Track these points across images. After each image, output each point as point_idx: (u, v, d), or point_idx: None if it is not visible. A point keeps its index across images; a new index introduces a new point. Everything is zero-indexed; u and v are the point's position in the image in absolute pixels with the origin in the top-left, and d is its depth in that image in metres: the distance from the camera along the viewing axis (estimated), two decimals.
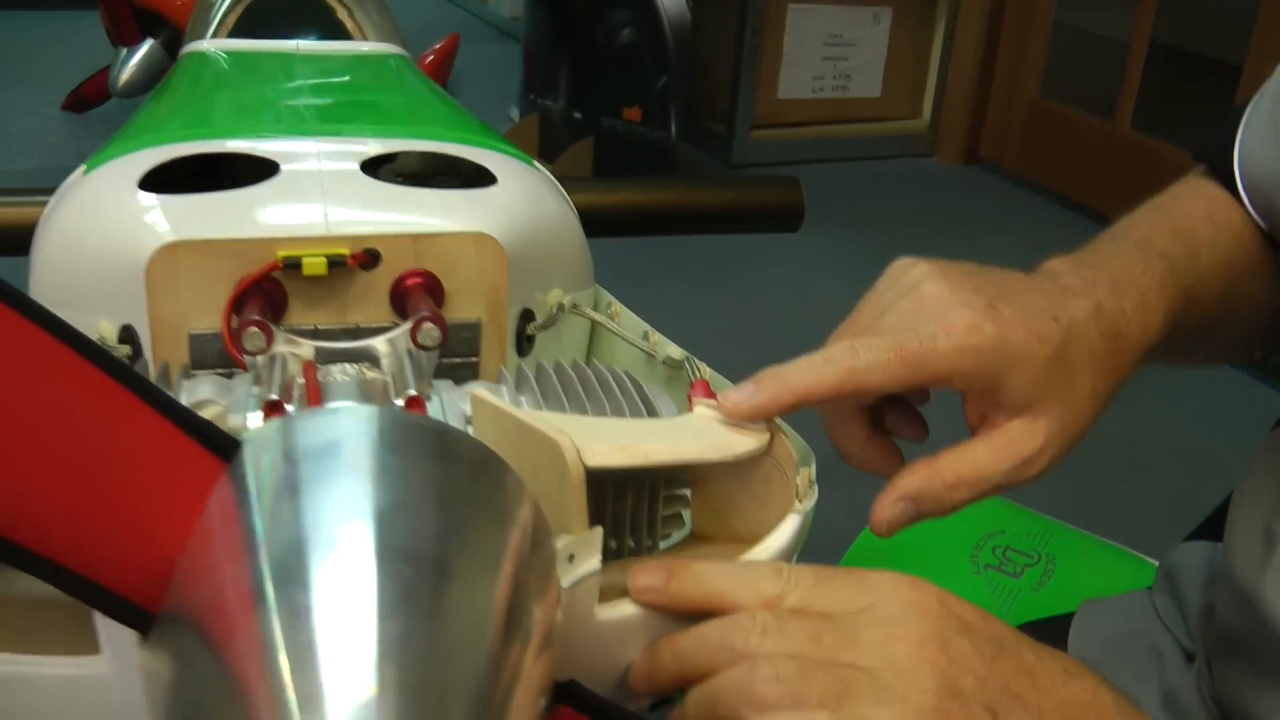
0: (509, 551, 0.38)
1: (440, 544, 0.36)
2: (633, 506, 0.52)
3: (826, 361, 0.51)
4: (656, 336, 0.78)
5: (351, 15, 1.43)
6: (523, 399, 0.55)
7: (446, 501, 0.38)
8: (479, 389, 0.50)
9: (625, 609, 0.49)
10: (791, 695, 0.42)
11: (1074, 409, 0.52)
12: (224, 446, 0.38)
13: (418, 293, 0.66)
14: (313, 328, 0.65)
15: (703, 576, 0.47)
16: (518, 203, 0.75)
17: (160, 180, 0.70)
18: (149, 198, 0.68)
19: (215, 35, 1.31)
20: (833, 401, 0.54)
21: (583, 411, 0.54)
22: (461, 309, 0.67)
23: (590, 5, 3.10)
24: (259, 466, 0.37)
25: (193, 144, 0.77)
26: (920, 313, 0.52)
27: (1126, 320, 0.55)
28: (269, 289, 0.65)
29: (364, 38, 1.34)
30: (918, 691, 0.41)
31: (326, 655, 0.31)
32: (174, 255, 0.63)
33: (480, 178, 0.76)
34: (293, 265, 0.63)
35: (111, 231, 0.67)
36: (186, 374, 0.60)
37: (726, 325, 2.40)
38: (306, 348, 0.60)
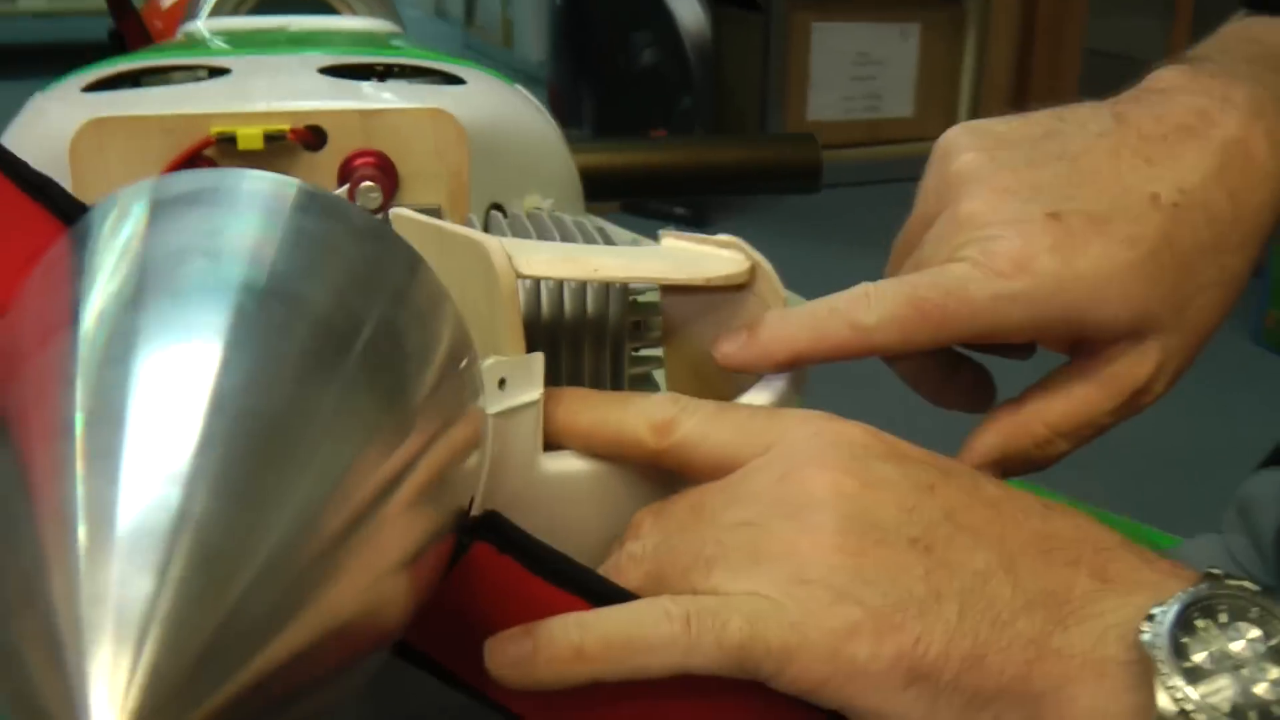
0: (402, 333, 0.30)
1: (302, 307, 0.28)
2: (592, 365, 0.45)
3: (832, 313, 0.41)
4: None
5: (347, 3, 1.40)
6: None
7: (323, 258, 0.30)
8: (406, 211, 0.43)
9: (572, 463, 0.41)
10: (647, 580, 0.35)
11: (1196, 309, 0.40)
12: (67, 208, 0.33)
13: (368, 174, 0.59)
14: None
15: (590, 401, 0.40)
16: (484, 97, 0.69)
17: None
18: (88, 95, 0.63)
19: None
20: (839, 360, 0.42)
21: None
22: (419, 193, 0.60)
23: (611, 29, 3.07)
24: (102, 226, 0.30)
25: (146, 60, 0.72)
26: (955, 236, 0.40)
27: (1268, 151, 0.41)
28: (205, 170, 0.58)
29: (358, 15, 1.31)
30: (810, 532, 0.33)
31: (132, 457, 0.23)
32: (99, 132, 0.57)
33: (450, 81, 0.71)
34: (227, 140, 0.57)
35: (48, 123, 0.62)
36: None
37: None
38: None
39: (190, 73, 0.71)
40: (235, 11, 1.29)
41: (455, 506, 0.32)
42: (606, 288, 0.44)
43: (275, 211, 0.30)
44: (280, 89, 0.64)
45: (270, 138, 0.58)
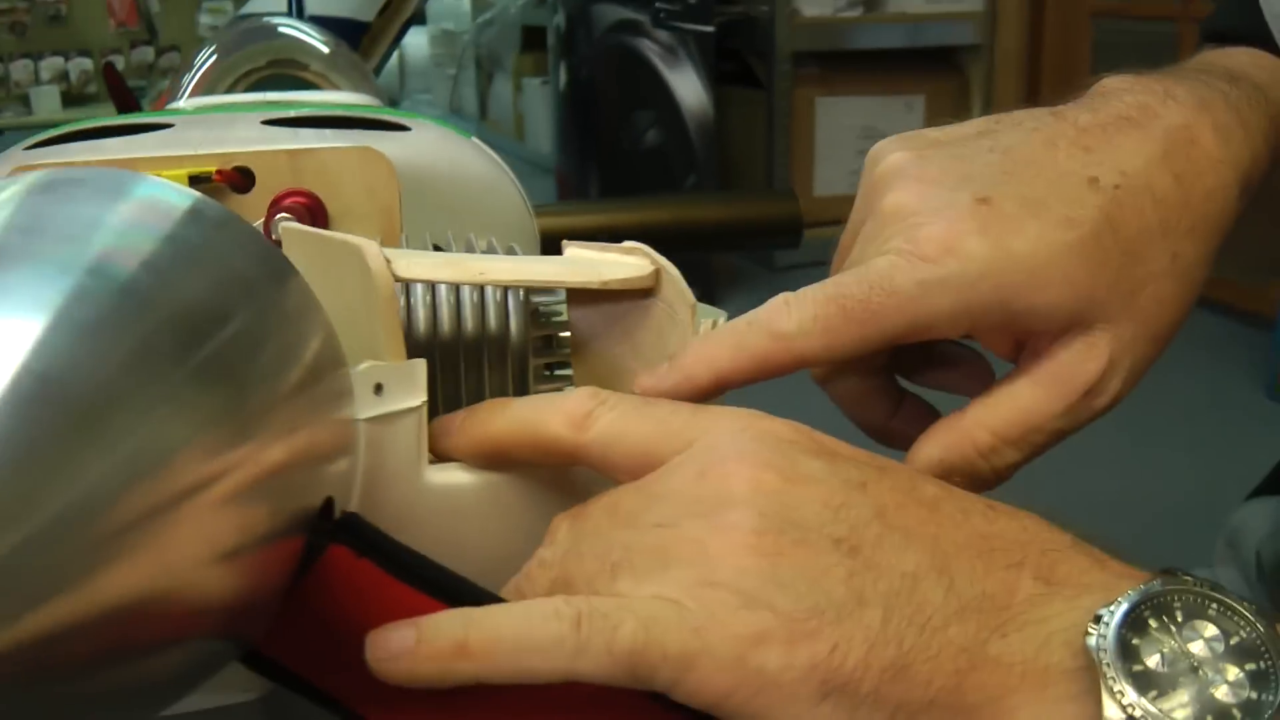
0: (246, 333, 0.29)
1: (142, 296, 0.27)
2: (495, 382, 0.43)
3: (750, 325, 0.39)
4: None
5: (327, 79, 1.42)
6: None
7: (178, 255, 0.29)
8: (289, 221, 0.41)
9: (459, 475, 0.40)
10: (554, 587, 0.34)
11: (1148, 298, 0.37)
12: None
13: (297, 214, 0.58)
14: None
15: (504, 405, 0.38)
16: (427, 143, 0.69)
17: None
18: (27, 151, 0.63)
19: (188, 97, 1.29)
20: (768, 377, 0.40)
21: None
22: (350, 231, 0.59)
23: (614, 111, 3.09)
24: None
25: (96, 123, 0.72)
26: (882, 232, 0.39)
27: (1216, 140, 0.39)
28: None
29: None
30: (723, 531, 0.31)
31: None
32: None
33: (394, 129, 0.71)
34: None
35: None
36: None
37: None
38: None
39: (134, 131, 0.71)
40: (211, 91, 1.30)
41: (298, 507, 0.31)
42: (506, 302, 0.43)
43: (145, 209, 0.30)
44: (214, 138, 0.63)
45: (196, 179, 0.57)
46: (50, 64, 4.83)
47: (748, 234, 1.14)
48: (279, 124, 0.68)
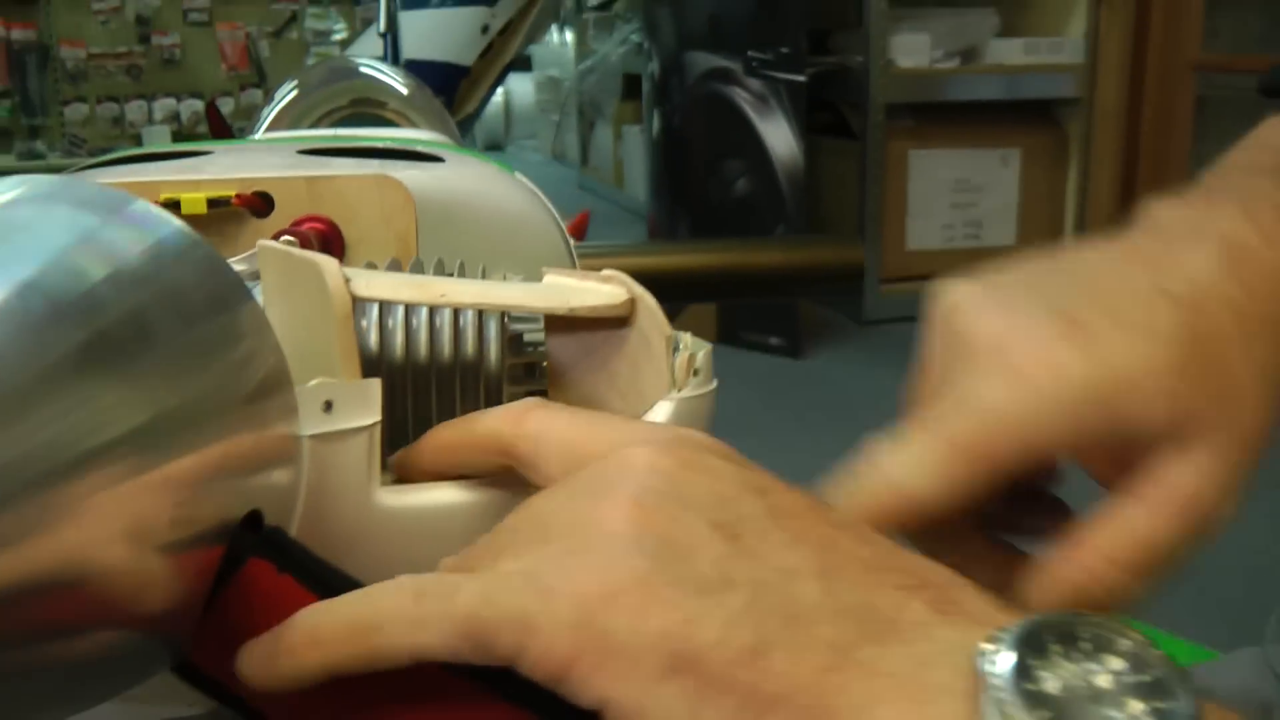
0: (172, 343, 0.30)
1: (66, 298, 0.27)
2: (467, 407, 0.43)
3: (858, 481, 0.38)
4: None
5: (406, 118, 1.44)
6: None
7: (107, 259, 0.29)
8: (264, 240, 0.42)
9: (421, 497, 0.39)
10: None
11: (1240, 406, 0.36)
12: None
13: (310, 239, 0.58)
14: None
15: (458, 420, 0.38)
16: (459, 175, 0.69)
17: None
18: (79, 174, 0.65)
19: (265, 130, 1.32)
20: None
21: None
22: (366, 258, 0.60)
23: (705, 159, 3.10)
24: None
25: (146, 149, 0.74)
26: (969, 362, 0.37)
27: (1264, 244, 0.38)
28: None
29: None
30: (603, 502, 0.30)
31: None
32: None
33: (428, 160, 0.71)
34: (172, 205, 0.58)
35: None
36: None
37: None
38: None
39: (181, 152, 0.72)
40: (292, 127, 1.33)
41: (219, 516, 0.31)
42: (483, 327, 0.43)
43: (88, 215, 0.31)
44: (243, 164, 0.64)
45: (214, 203, 0.58)
46: (163, 105, 5.00)
47: (808, 280, 1.13)
48: (315, 153, 0.69)
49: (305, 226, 0.59)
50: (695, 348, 0.43)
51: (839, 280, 1.12)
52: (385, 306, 0.42)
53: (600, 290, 0.42)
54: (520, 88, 7.07)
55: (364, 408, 0.37)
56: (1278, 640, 0.67)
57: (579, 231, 4.00)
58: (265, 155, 0.68)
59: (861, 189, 3.10)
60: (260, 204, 0.59)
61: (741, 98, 2.95)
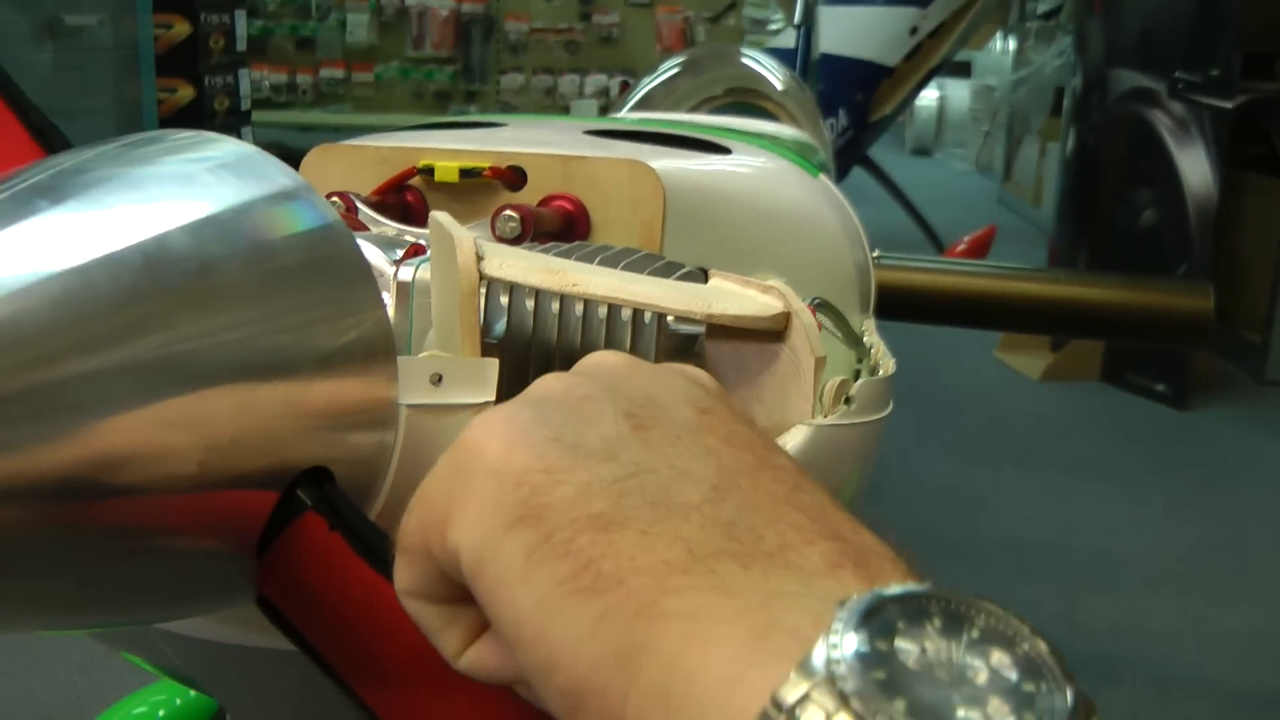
0: (265, 300, 0.32)
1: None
2: None
3: None
4: (880, 351, 0.66)
5: (784, 110, 1.44)
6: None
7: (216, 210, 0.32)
8: (442, 213, 0.42)
9: None
10: None
11: None
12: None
13: (557, 213, 0.59)
14: None
15: None
16: (730, 169, 0.68)
17: None
18: (366, 138, 0.69)
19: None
20: None
21: None
22: (609, 241, 0.60)
23: (1114, 184, 2.92)
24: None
25: (450, 117, 0.77)
26: None
27: None
28: (411, 200, 0.61)
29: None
30: (542, 382, 0.30)
31: None
32: (324, 157, 0.62)
33: (714, 151, 0.70)
34: (427, 172, 0.60)
35: None
36: None
37: (1214, 539, 2.07)
38: (389, 229, 0.55)
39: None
40: (669, 108, 1.35)
41: (275, 460, 0.32)
42: (638, 323, 0.42)
43: (237, 177, 0.34)
44: (519, 139, 0.66)
45: (466, 173, 0.59)
46: (594, 80, 5.24)
47: (1143, 325, 1.03)
48: (601, 134, 0.70)
49: (553, 204, 0.60)
50: (864, 375, 0.41)
51: (1181, 331, 1.02)
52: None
53: (752, 300, 0.40)
54: (957, 94, 6.90)
55: (477, 386, 0.37)
56: None
57: (981, 247, 3.87)
58: (550, 132, 0.70)
59: None
60: (513, 177, 0.60)
61: (1161, 122, 2.74)
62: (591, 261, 0.44)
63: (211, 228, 0.31)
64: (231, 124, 2.85)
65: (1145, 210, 2.82)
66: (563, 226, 0.59)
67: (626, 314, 0.41)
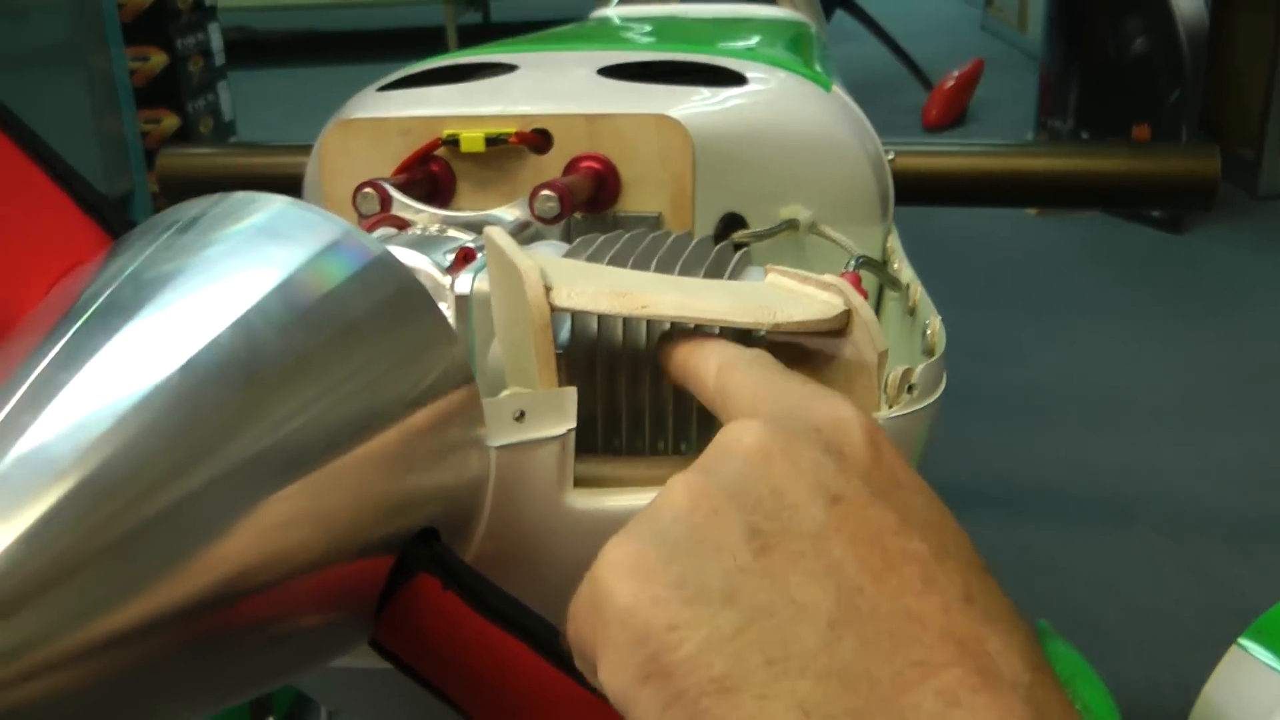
0: (341, 362, 0.32)
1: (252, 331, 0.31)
2: (676, 396, 0.43)
3: None
4: (904, 267, 0.67)
5: None
6: (571, 254, 0.47)
7: (289, 289, 0.33)
8: (495, 228, 0.43)
9: (613, 500, 0.40)
10: None
11: None
12: (114, 223, 0.37)
13: (588, 177, 0.59)
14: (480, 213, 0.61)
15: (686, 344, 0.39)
16: (756, 101, 0.67)
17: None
18: (379, 94, 0.68)
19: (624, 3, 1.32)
20: None
21: None
22: (641, 199, 0.60)
23: (1103, 16, 2.87)
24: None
25: (453, 58, 0.76)
26: None
27: None
28: (437, 171, 0.61)
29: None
30: (687, 473, 0.30)
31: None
32: (344, 132, 0.62)
33: (731, 81, 0.70)
34: (452, 142, 0.60)
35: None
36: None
37: (1216, 365, 2.10)
38: (425, 215, 0.55)
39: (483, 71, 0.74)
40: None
41: (386, 533, 0.33)
42: (702, 330, 0.42)
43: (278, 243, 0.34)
44: (537, 91, 0.65)
45: (492, 140, 0.59)
46: None
47: (1153, 191, 1.04)
48: (614, 74, 0.69)
49: (582, 165, 0.60)
50: (923, 355, 0.42)
51: (1193, 192, 1.03)
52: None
53: (814, 301, 0.40)
54: None
55: (557, 416, 0.38)
56: None
57: (970, 82, 3.82)
58: (564, 78, 0.69)
59: (1273, 55, 2.79)
60: (539, 140, 0.60)
61: None
62: (647, 262, 0.45)
63: (278, 302, 0.31)
64: (208, 81, 2.79)
65: (1136, 39, 2.78)
66: (595, 189, 0.59)
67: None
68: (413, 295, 0.35)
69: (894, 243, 0.74)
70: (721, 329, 0.41)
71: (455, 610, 0.34)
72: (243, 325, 0.30)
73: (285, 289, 0.32)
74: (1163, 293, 2.46)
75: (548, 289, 0.38)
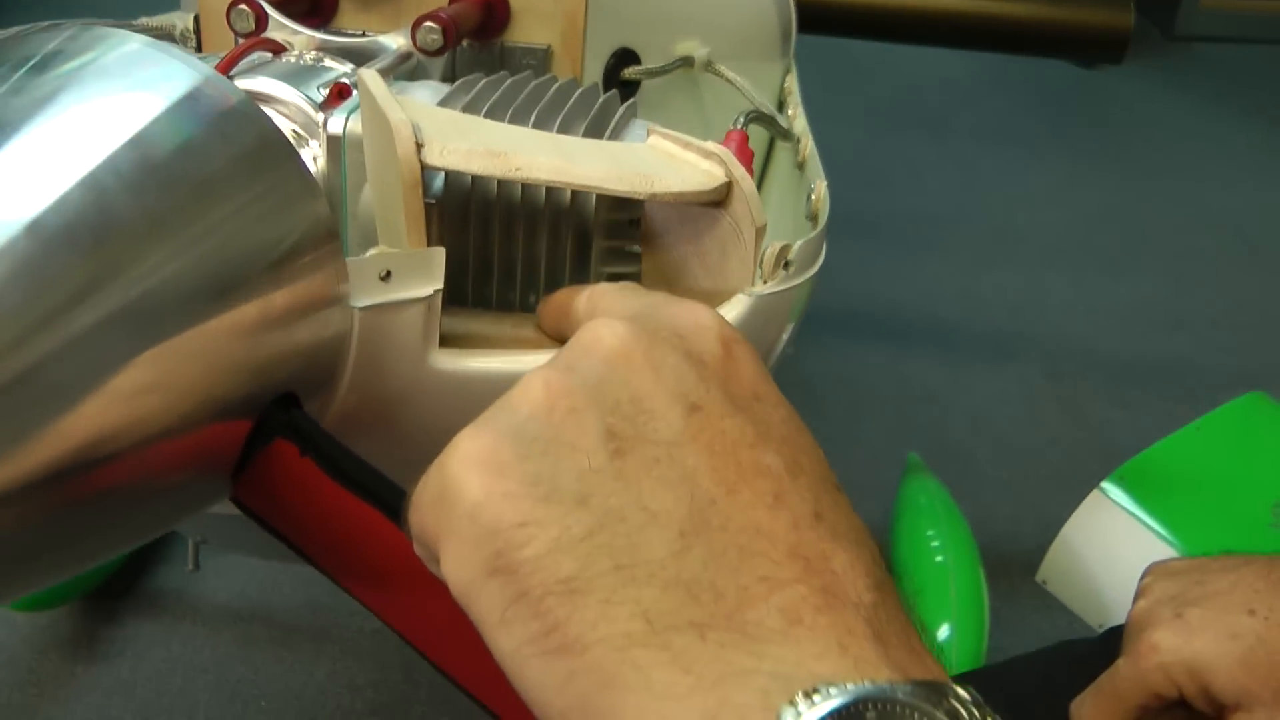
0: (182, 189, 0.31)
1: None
2: (549, 253, 0.42)
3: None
4: (798, 114, 0.65)
5: None
6: (450, 100, 0.45)
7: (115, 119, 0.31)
8: (369, 70, 0.41)
9: (478, 363, 0.39)
10: None
11: None
12: None
13: (475, 4, 0.57)
14: (361, 33, 0.58)
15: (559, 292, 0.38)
16: None
17: None
18: None
19: None
20: None
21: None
22: (529, 30, 0.58)
23: None
24: None
25: None
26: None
27: None
28: None
29: None
30: (542, 370, 0.29)
31: None
32: None
33: None
34: None
35: None
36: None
37: (1111, 206, 2.13)
38: (303, 37, 0.52)
39: None
40: None
41: (243, 395, 0.33)
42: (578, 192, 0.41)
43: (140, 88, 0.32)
44: None
45: None
46: None
47: (1065, 40, 1.03)
48: None
49: None
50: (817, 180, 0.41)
51: (1103, 44, 1.02)
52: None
53: (694, 171, 0.39)
54: None
55: (425, 277, 0.37)
56: None
57: None
58: None
59: None
60: None
61: None
62: (528, 112, 0.43)
63: (131, 159, 0.30)
64: None
65: None
66: (482, 17, 0.57)
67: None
68: (274, 148, 0.33)
69: (792, 83, 0.72)
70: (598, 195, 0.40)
71: (311, 475, 0.34)
72: (93, 184, 0.29)
73: (139, 144, 0.30)
74: (1067, 127, 2.48)
75: (419, 145, 0.37)
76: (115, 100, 0.31)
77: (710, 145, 0.40)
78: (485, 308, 0.43)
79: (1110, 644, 0.61)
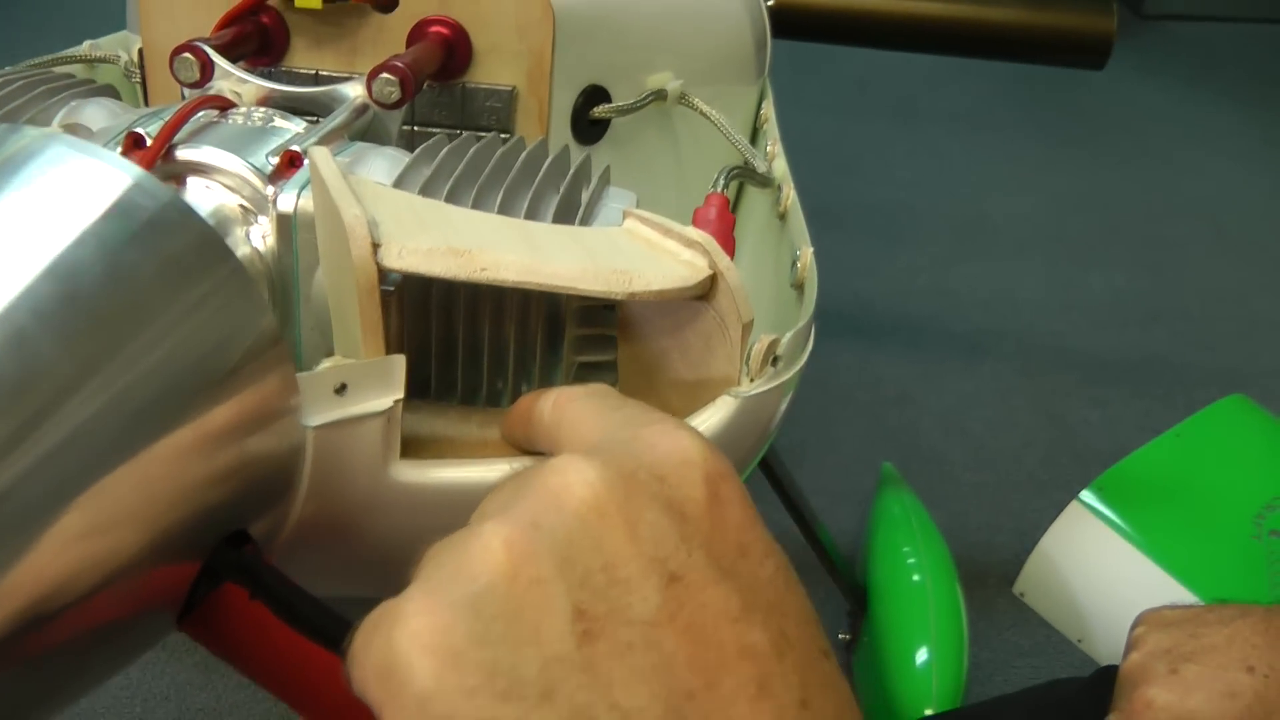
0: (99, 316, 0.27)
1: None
2: (517, 340, 0.39)
3: None
4: (777, 150, 0.62)
5: None
6: (410, 175, 0.42)
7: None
8: (320, 150, 0.37)
9: (442, 474, 0.36)
10: None
11: None
12: None
13: (436, 45, 0.53)
14: (314, 72, 0.54)
15: (522, 399, 0.34)
16: None
17: None
18: None
19: None
20: None
21: (485, 207, 0.41)
22: (494, 70, 0.54)
23: None
24: None
25: None
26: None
27: None
28: (269, 24, 0.55)
29: None
30: (499, 524, 0.25)
31: None
32: None
33: None
34: None
35: None
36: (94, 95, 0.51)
37: (1084, 193, 2.11)
38: (252, 87, 0.49)
39: None
40: None
41: (191, 539, 0.30)
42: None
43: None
44: None
45: None
46: None
47: (1047, 46, 1.00)
48: None
49: (430, 30, 0.54)
50: (791, 325, 0.38)
51: (1086, 50, 1.00)
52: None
53: (675, 264, 0.36)
54: None
55: (383, 387, 0.34)
56: None
57: None
58: None
59: None
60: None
61: None
62: (497, 186, 0.40)
63: (52, 297, 0.27)
64: None
65: None
66: (443, 58, 0.54)
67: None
68: (210, 259, 0.30)
69: (768, 109, 0.69)
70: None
71: (263, 618, 0.31)
72: (11, 330, 0.25)
73: (60, 275, 0.27)
74: (1040, 113, 2.45)
75: (376, 246, 0.33)
76: (33, 220, 0.28)
77: (692, 232, 0.37)
78: (450, 394, 0.40)
79: (1099, 687, 0.59)
